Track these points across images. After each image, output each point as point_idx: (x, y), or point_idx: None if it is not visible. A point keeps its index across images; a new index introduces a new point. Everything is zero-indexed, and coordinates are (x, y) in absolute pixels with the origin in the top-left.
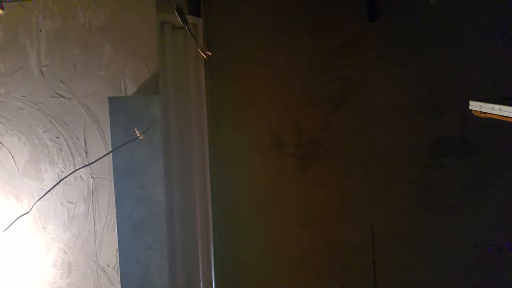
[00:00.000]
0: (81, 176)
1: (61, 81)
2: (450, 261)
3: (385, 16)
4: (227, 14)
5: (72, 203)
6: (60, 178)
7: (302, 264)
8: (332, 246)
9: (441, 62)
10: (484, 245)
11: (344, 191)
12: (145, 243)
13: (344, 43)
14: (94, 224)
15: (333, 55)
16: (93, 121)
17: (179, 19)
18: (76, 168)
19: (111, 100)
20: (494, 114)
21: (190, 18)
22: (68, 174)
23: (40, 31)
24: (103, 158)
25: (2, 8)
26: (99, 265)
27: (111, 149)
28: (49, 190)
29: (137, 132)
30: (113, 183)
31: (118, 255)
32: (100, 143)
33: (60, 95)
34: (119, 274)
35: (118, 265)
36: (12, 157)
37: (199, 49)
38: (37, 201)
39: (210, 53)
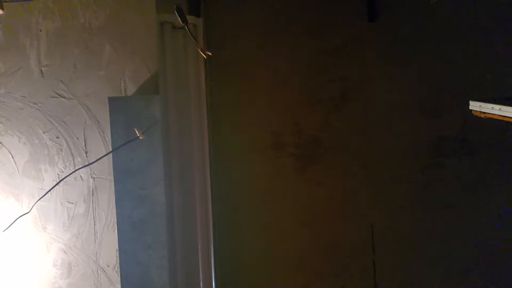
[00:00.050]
0: (81, 176)
1: (61, 81)
2: (450, 261)
3: (385, 16)
4: (227, 14)
5: (72, 203)
6: (60, 178)
7: (302, 264)
8: (332, 246)
9: (441, 62)
10: (484, 245)
11: (344, 191)
12: (145, 243)
13: (344, 43)
14: (94, 224)
15: (333, 55)
16: (93, 121)
17: (179, 19)
18: (76, 168)
19: (111, 100)
20: (494, 114)
21: (190, 18)
22: (68, 174)
23: (40, 31)
24: (103, 158)
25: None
26: (99, 265)
27: (111, 149)
28: (49, 190)
29: (137, 132)
30: (113, 183)
31: (118, 255)
32: (100, 143)
33: (60, 95)
34: (119, 274)
35: (118, 265)
36: (12, 157)
37: (199, 49)
38: (37, 201)
39: (210, 53)
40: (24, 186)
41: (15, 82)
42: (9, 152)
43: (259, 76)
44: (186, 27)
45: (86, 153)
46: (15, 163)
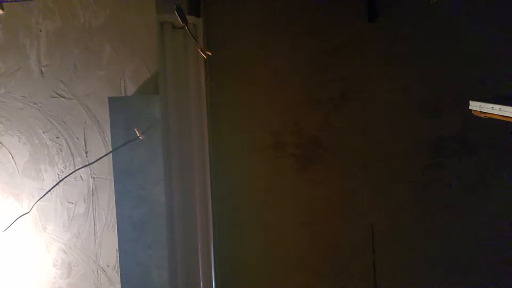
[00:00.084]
0: (81, 176)
1: (61, 81)
2: (450, 261)
3: (385, 16)
4: (227, 14)
5: (72, 203)
6: (60, 178)
7: (302, 264)
8: (332, 246)
9: (441, 62)
10: (484, 245)
11: (344, 191)
12: (145, 243)
13: (344, 43)
14: (94, 224)
15: (333, 55)
16: (93, 121)
17: (179, 19)
18: (76, 168)
19: (111, 100)
20: (494, 114)
21: (190, 18)
22: (68, 174)
23: (40, 31)
24: (103, 158)
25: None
26: (99, 265)
27: (111, 149)
28: (49, 190)
29: (137, 132)
30: (113, 183)
31: (118, 255)
32: (100, 143)
33: (60, 95)
34: (119, 274)
35: (118, 265)
36: (12, 157)
37: (199, 49)
38: (37, 201)
39: (210, 53)
40: (24, 186)
41: (15, 82)
42: (9, 152)
43: (259, 76)
44: (186, 27)
45: (86, 153)
46: (15, 163)
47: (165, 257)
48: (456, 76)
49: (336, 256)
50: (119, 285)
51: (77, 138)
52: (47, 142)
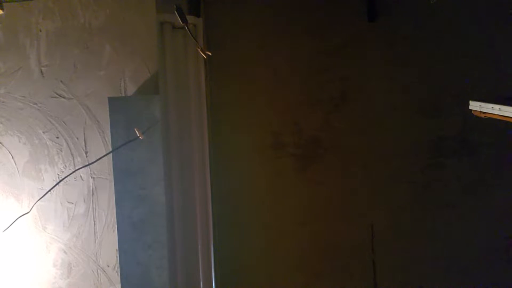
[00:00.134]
0: (81, 176)
1: (61, 81)
2: (450, 261)
3: (385, 16)
4: (227, 14)
5: (72, 203)
6: (60, 178)
7: (302, 264)
8: (332, 246)
9: (441, 62)
10: (484, 245)
11: (344, 191)
12: (145, 243)
13: (344, 43)
14: (94, 224)
15: (333, 55)
16: (93, 121)
17: (179, 19)
18: (76, 168)
19: (111, 100)
20: (494, 114)
21: (190, 18)
22: (68, 174)
23: (40, 31)
24: (103, 158)
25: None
26: (99, 265)
27: (111, 149)
28: (49, 190)
29: (137, 132)
30: (113, 183)
31: (118, 255)
32: (100, 143)
33: (60, 95)
34: (119, 274)
35: (118, 265)
36: (12, 157)
37: (199, 49)
38: (37, 201)
39: (210, 53)
40: (24, 186)
41: (15, 82)
42: (9, 152)
43: (259, 76)
44: (186, 27)
45: (86, 153)
46: (15, 163)
47: (165, 257)
48: (456, 76)
49: (336, 256)
50: (119, 285)
51: (77, 138)
52: (47, 142)
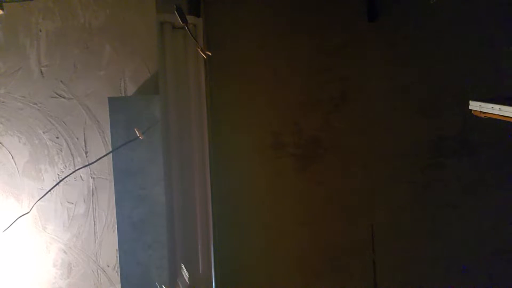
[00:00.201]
0: (81, 176)
1: (61, 81)
2: (450, 261)
3: (385, 16)
4: (227, 14)
5: (72, 203)
6: (60, 178)
7: (302, 264)
8: (332, 246)
9: (441, 62)
10: (484, 245)
11: (344, 191)
12: (145, 243)
13: (344, 43)
14: (94, 224)
15: (333, 55)
16: (93, 121)
17: (179, 19)
18: (76, 168)
19: (111, 100)
20: (494, 114)
21: (190, 18)
22: (68, 174)
23: (40, 31)
24: (103, 158)
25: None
26: (99, 265)
27: (111, 149)
28: (49, 190)
29: (137, 132)
30: (113, 183)
31: (118, 255)
32: (100, 143)
33: (60, 95)
34: (119, 274)
35: (118, 265)
36: (12, 158)
37: (199, 49)
38: (37, 201)
39: (210, 53)
40: (24, 186)
41: (15, 82)
42: (9, 153)
43: (259, 76)
44: (186, 27)
45: (86, 153)
46: (15, 163)
47: (165, 257)
48: (456, 76)
49: (336, 256)
50: (119, 285)
51: (77, 138)
52: (47, 142)
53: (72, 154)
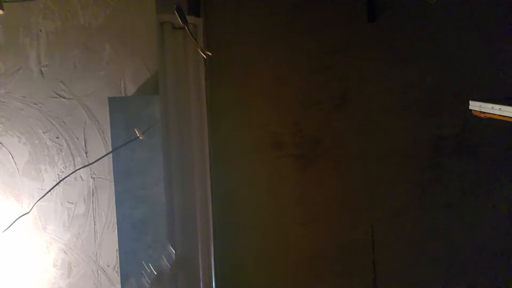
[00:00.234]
0: (81, 177)
1: (61, 82)
2: (450, 261)
3: (385, 16)
4: (227, 14)
5: (72, 203)
6: (60, 179)
7: (302, 264)
8: (332, 246)
9: (441, 62)
10: (484, 245)
11: (344, 191)
12: (145, 243)
13: (344, 43)
14: (94, 224)
15: (333, 55)
16: (93, 121)
17: (179, 19)
18: (76, 168)
19: (111, 100)
20: (494, 114)
21: (190, 18)
22: (68, 174)
23: (40, 31)
24: (103, 158)
25: (2, 8)
26: (99, 265)
27: (111, 149)
28: (49, 191)
29: (137, 132)
30: (113, 183)
31: (118, 255)
32: (100, 143)
33: (60, 96)
34: (119, 274)
35: (118, 265)
36: (12, 158)
37: (199, 49)
38: (37, 202)
39: (210, 53)
40: (24, 186)
41: (15, 82)
42: (9, 153)
43: (259, 76)
44: (186, 27)
45: (86, 153)
46: (15, 163)
47: (165, 257)
48: (456, 76)
49: (336, 256)
50: (119, 285)
51: (77, 138)
52: (47, 142)
53: (72, 154)
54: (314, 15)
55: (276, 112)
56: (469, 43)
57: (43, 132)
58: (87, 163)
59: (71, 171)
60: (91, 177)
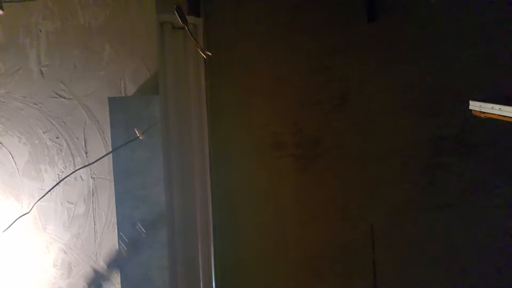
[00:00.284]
0: (81, 177)
1: (61, 82)
2: (450, 261)
3: (385, 16)
4: (227, 14)
5: (72, 203)
6: (60, 179)
7: (302, 264)
8: (332, 246)
9: (441, 62)
10: (484, 245)
11: (344, 191)
12: (145, 243)
13: (344, 43)
14: (94, 224)
15: (333, 55)
16: (93, 121)
17: (179, 19)
18: (76, 168)
19: (111, 100)
20: (494, 114)
21: (190, 18)
22: (68, 174)
23: (40, 31)
24: (103, 158)
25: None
26: (99, 265)
27: (111, 149)
28: (49, 191)
29: (137, 132)
30: (113, 183)
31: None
32: (100, 143)
33: (60, 96)
34: (119, 274)
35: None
36: (12, 158)
37: (199, 49)
38: (37, 202)
39: (210, 53)
40: (24, 187)
41: (15, 82)
42: (9, 153)
43: (259, 76)
44: (186, 27)
45: (86, 153)
46: (15, 163)
47: (165, 257)
48: (456, 76)
49: (336, 256)
50: (119, 285)
51: (77, 138)
52: (47, 142)
53: (72, 154)
54: (314, 15)
55: (276, 112)
56: (469, 43)
57: (43, 132)
58: (87, 163)
59: (71, 171)
60: (91, 177)
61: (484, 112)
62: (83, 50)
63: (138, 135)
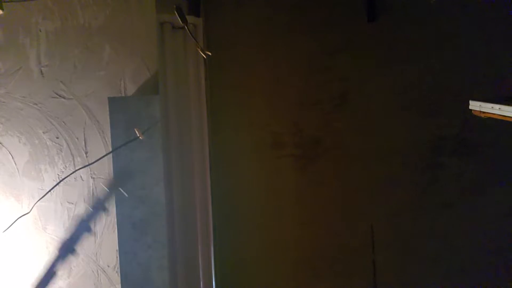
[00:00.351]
0: (81, 177)
1: (61, 82)
2: (450, 261)
3: (385, 16)
4: (227, 14)
5: (72, 203)
6: (60, 179)
7: (301, 264)
8: (332, 246)
9: (441, 62)
10: (484, 245)
11: (344, 191)
12: (145, 243)
13: (344, 43)
14: (94, 224)
15: (333, 55)
16: (93, 121)
17: (179, 19)
18: (76, 168)
19: (111, 100)
20: (494, 114)
21: (190, 18)
22: (68, 174)
23: (40, 31)
24: (103, 158)
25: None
26: (99, 266)
27: (111, 149)
28: (49, 191)
29: (137, 132)
30: (113, 184)
31: (118, 256)
32: (100, 143)
33: (60, 96)
34: (119, 274)
35: (118, 265)
36: (12, 158)
37: (199, 49)
38: (37, 202)
39: (210, 53)
40: (24, 187)
41: (15, 82)
42: (9, 153)
43: (259, 76)
44: (186, 27)
45: (86, 153)
46: (15, 163)
47: (165, 257)
48: (456, 76)
49: (336, 256)
50: (119, 285)
51: (77, 138)
52: (47, 143)
53: (72, 154)
54: (314, 15)
55: (276, 112)
56: (469, 43)
57: (43, 132)
58: (87, 163)
59: (71, 171)
60: (91, 177)
61: (484, 112)
62: (83, 50)
63: (138, 135)
